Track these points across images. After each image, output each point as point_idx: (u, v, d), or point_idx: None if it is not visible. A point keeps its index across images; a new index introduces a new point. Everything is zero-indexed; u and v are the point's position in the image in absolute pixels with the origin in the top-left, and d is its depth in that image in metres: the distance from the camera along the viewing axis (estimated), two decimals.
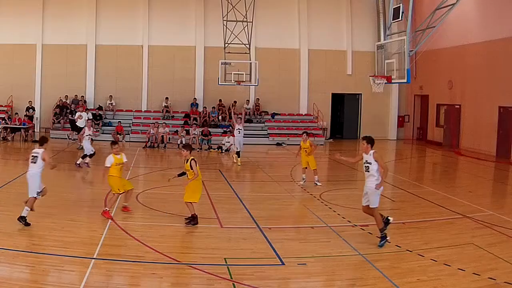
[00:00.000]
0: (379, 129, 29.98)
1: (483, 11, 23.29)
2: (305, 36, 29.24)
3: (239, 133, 18.94)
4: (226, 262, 8.06)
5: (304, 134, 15.00)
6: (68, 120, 23.81)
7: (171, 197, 13.12)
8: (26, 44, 27.13)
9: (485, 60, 22.97)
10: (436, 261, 8.20)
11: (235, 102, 27.98)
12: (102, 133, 25.60)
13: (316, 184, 14.54)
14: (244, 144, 19.53)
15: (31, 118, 25.77)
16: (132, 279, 7.32)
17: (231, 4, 24.10)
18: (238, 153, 19.05)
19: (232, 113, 19.98)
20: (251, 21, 24.48)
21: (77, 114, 23.32)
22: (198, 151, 22.56)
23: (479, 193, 14.82)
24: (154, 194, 13.30)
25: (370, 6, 29.52)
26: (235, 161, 19.26)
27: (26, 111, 25.70)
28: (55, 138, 25.28)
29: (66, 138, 24.43)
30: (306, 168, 14.84)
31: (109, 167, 10.66)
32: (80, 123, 22.90)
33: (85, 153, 17.26)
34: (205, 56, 28.38)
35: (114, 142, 11.08)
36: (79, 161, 17.17)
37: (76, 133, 22.96)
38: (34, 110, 26.08)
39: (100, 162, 14.86)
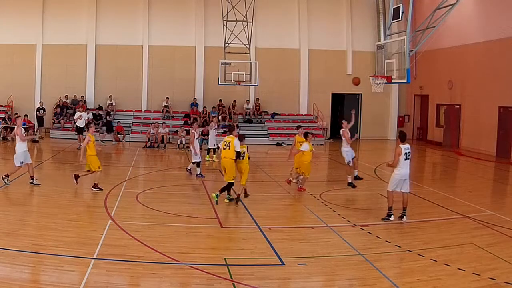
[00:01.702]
0: (379, 129, 30.05)
1: (483, 11, 23.30)
2: (305, 36, 29.24)
3: (215, 132, 19.95)
4: (226, 262, 8.06)
5: (301, 128, 15.37)
6: (75, 127, 23.72)
7: (171, 197, 13.15)
8: (26, 44, 27.11)
9: (485, 60, 22.97)
10: (436, 261, 8.20)
11: (235, 102, 28.01)
12: (102, 133, 25.62)
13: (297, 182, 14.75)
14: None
15: (41, 118, 25.67)
16: (132, 279, 7.32)
17: (231, 4, 24.11)
18: (214, 150, 19.64)
19: (212, 121, 20.26)
20: (251, 21, 24.48)
21: (77, 114, 23.37)
22: None
23: (479, 193, 14.81)
24: (154, 194, 13.30)
25: (370, 6, 29.52)
26: (215, 160, 19.68)
27: (36, 111, 25.63)
28: (55, 138, 25.35)
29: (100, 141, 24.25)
30: (298, 168, 15.05)
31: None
32: (80, 123, 22.97)
33: (195, 160, 15.94)
34: (205, 56, 28.38)
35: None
36: (190, 166, 16.39)
37: (76, 133, 23.03)
38: (44, 110, 25.98)
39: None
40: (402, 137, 10.76)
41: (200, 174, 15.88)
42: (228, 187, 12.14)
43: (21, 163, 13.25)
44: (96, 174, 13.09)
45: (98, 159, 13.18)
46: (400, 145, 10.62)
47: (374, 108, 29.64)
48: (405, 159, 10.55)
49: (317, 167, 19.98)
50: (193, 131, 16.52)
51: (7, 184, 13.02)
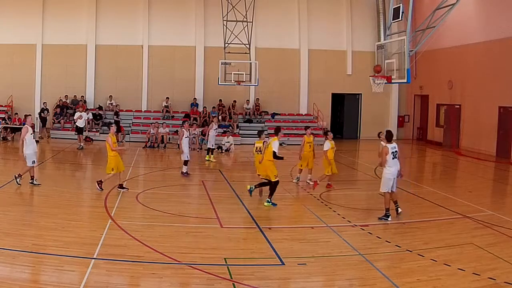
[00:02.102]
0: (379, 129, 29.43)
1: (483, 11, 23.29)
2: (305, 36, 29.25)
3: (215, 132, 20.16)
4: (226, 262, 8.06)
5: (309, 129, 15.65)
6: (75, 127, 23.73)
7: (171, 197, 13.15)
8: (26, 44, 27.10)
9: (485, 60, 22.97)
10: (436, 261, 8.20)
11: (235, 102, 28.01)
12: (102, 133, 25.61)
13: (309, 182, 14.92)
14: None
15: (44, 119, 25.58)
16: (132, 279, 7.32)
17: (231, 4, 24.11)
18: (213, 150, 20.08)
19: (212, 122, 20.44)
20: (251, 21, 24.49)
21: (77, 114, 23.38)
22: (198, 151, 22.60)
23: (479, 193, 14.81)
24: (154, 194, 13.31)
25: (370, 6, 29.51)
26: (213, 160, 19.83)
27: (41, 112, 25.57)
28: (55, 138, 25.34)
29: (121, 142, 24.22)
30: (301, 169, 15.42)
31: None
32: (80, 123, 22.97)
33: (183, 158, 15.95)
34: (205, 56, 28.38)
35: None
36: (184, 169, 16.03)
37: (76, 133, 23.03)
38: (48, 111, 25.94)
39: None
40: (388, 137, 11.07)
41: (185, 172, 15.91)
42: (274, 187, 12.08)
43: (33, 162, 13.24)
44: (107, 174, 13.09)
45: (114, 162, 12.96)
46: (387, 145, 10.92)
47: (374, 108, 29.63)
48: (393, 158, 10.85)
49: (317, 167, 19.98)
50: (182, 129, 16.50)
51: (19, 184, 13.02)
